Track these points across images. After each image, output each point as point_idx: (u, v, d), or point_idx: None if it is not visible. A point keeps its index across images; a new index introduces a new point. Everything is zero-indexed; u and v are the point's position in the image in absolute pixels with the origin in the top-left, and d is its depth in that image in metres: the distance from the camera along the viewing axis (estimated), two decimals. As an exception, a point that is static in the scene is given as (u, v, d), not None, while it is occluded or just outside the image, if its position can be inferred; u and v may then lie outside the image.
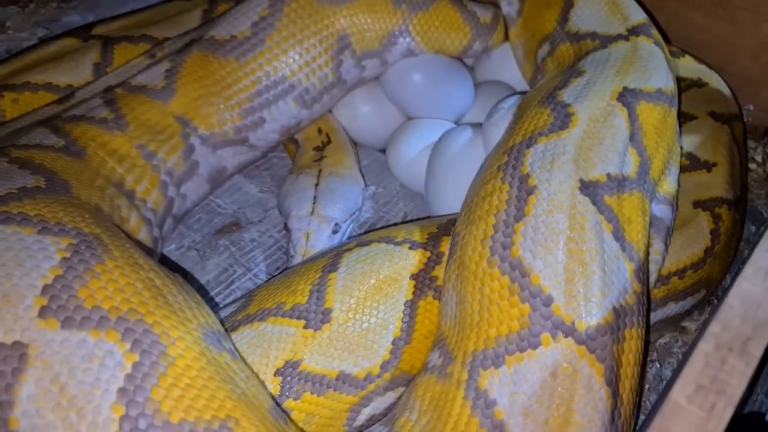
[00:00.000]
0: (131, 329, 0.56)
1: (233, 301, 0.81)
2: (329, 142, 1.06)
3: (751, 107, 1.13)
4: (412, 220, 0.95)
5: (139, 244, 0.84)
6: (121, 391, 0.53)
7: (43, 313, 0.55)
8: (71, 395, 0.52)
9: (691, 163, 0.94)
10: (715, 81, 1.08)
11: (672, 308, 0.86)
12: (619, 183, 0.72)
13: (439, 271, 0.78)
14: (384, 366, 0.75)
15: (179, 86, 0.96)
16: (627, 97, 0.78)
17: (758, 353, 0.46)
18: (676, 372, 0.48)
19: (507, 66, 1.12)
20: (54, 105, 0.94)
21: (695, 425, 0.42)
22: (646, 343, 0.70)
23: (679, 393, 0.44)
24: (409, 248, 0.79)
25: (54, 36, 1.12)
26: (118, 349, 0.55)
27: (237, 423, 0.56)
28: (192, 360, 0.58)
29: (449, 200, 0.95)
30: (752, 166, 1.12)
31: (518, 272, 0.65)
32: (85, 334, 0.55)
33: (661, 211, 0.81)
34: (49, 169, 0.76)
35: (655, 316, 0.86)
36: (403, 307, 0.76)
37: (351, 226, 1.00)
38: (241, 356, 0.67)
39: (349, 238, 0.97)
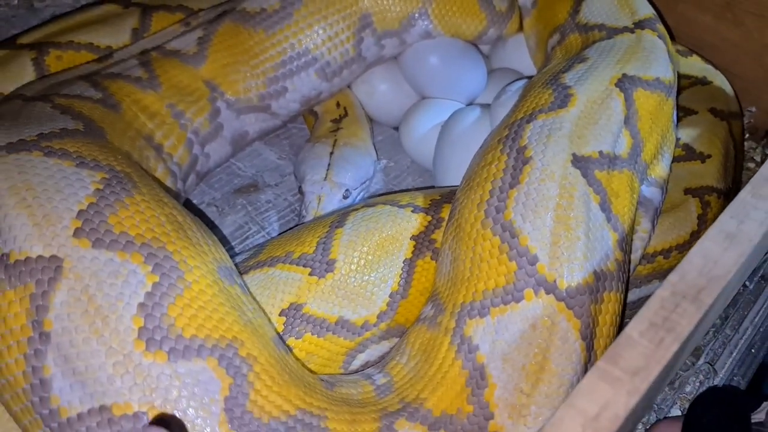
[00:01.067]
0: (153, 254, 0.63)
1: (244, 252, 0.88)
2: (346, 115, 1.12)
3: (754, 109, 1.17)
4: (417, 188, 1.01)
5: (167, 191, 0.91)
6: (141, 305, 0.60)
7: (77, 233, 0.62)
8: (98, 305, 0.59)
9: (686, 154, 0.98)
10: (719, 80, 1.12)
11: (656, 286, 0.90)
12: (610, 160, 0.77)
13: (438, 235, 0.83)
14: (380, 316, 0.81)
15: (210, 53, 1.03)
16: (625, 83, 0.83)
17: (709, 301, 0.51)
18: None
19: (520, 55, 1.17)
20: (94, 63, 1.01)
21: (643, 355, 0.48)
22: (624, 309, 0.75)
23: (632, 328, 0.49)
24: (412, 211, 0.85)
25: (97, 1, 1.19)
26: (141, 270, 0.62)
27: (242, 344, 0.63)
28: (206, 286, 0.64)
29: (455, 175, 1.00)
30: (750, 165, 1.16)
31: (508, 233, 0.71)
32: (112, 254, 0.62)
33: (651, 192, 0.86)
34: (87, 117, 0.83)
35: (639, 293, 0.91)
36: (402, 265, 0.82)
37: (361, 194, 1.06)
38: (250, 292, 0.74)
39: (358, 205, 1.03)
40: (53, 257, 0.61)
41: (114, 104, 0.91)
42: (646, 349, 0.48)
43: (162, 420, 0.57)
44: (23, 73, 1.00)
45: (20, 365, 0.59)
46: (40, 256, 0.61)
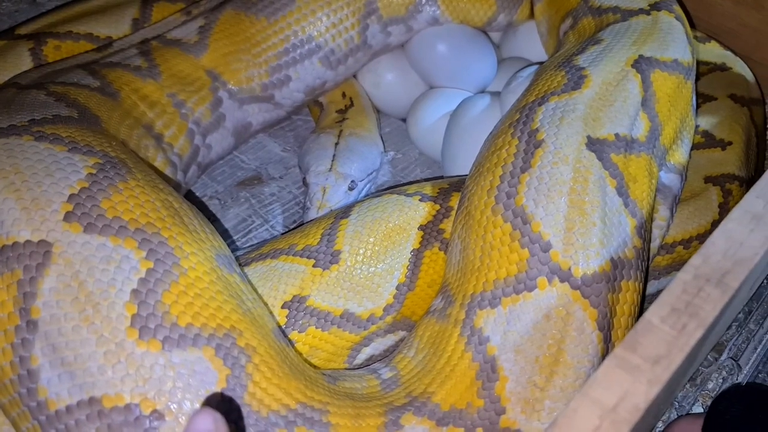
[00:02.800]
0: (148, 240, 0.60)
1: (248, 247, 0.85)
2: (352, 105, 1.09)
3: (775, 96, 1.13)
4: (425, 179, 0.97)
5: (165, 180, 0.88)
6: (134, 292, 0.57)
7: (67, 217, 0.59)
8: (89, 291, 0.56)
9: (706, 141, 0.95)
10: (739, 66, 1.08)
11: (676, 278, 0.87)
12: (627, 144, 0.73)
13: (447, 224, 0.80)
14: (387, 309, 0.78)
15: (211, 42, 1.00)
16: (642, 64, 0.79)
17: (735, 285, 0.47)
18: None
19: (532, 43, 1.13)
20: (93, 52, 0.99)
21: (665, 341, 0.44)
22: (643, 299, 0.72)
23: (653, 314, 0.46)
24: (420, 200, 0.82)
25: (98, -8, 1.17)
26: (134, 256, 0.59)
27: (241, 334, 0.60)
28: (203, 273, 0.61)
29: (464, 164, 0.97)
30: (772, 153, 1.12)
31: (520, 220, 0.67)
32: (105, 239, 0.59)
33: (670, 179, 0.82)
34: (82, 104, 0.81)
35: (658, 285, 0.87)
36: (410, 255, 0.79)
37: (368, 186, 1.02)
38: (250, 283, 0.71)
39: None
40: (42, 242, 0.58)
41: (112, 92, 0.89)
42: (667, 335, 0.45)
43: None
44: (20, 63, 0.98)
45: (7, 355, 0.57)
46: (28, 241, 0.58)
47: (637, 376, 0.42)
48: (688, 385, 0.81)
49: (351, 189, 0.97)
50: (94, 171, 0.64)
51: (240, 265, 0.74)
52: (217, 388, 0.56)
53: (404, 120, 1.15)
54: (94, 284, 0.57)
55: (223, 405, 0.55)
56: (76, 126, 0.72)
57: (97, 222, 0.59)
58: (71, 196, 0.60)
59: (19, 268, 0.57)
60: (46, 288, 0.56)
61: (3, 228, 0.59)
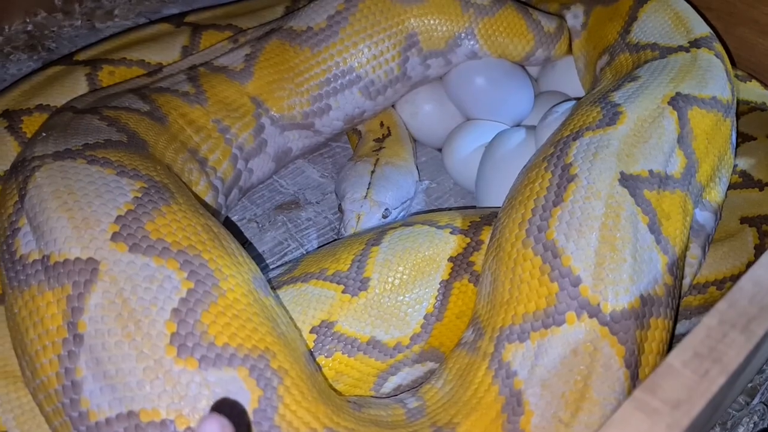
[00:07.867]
0: (189, 261, 0.63)
1: (281, 265, 0.87)
2: (389, 134, 1.12)
3: (817, 136, 1.11)
4: (457, 208, 0.98)
5: (204, 206, 0.91)
6: (175, 311, 0.59)
7: (114, 237, 0.62)
8: (131, 308, 0.59)
9: (743, 181, 0.94)
10: (779, 106, 1.07)
11: (709, 318, 0.86)
12: (661, 180, 0.74)
13: (477, 257, 0.81)
14: (414, 338, 0.79)
15: (257, 70, 1.04)
16: (679, 101, 0.80)
17: (761, 331, 0.47)
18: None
19: (570, 78, 1.15)
20: (144, 77, 1.04)
21: (686, 386, 0.44)
22: (672, 338, 0.71)
23: (675, 357, 0.46)
24: (450, 233, 0.83)
25: (151, 21, 1.23)
26: (176, 276, 0.61)
27: (274, 356, 0.61)
28: (241, 295, 0.64)
29: (497, 195, 0.98)
30: (813, 194, 1.10)
31: (550, 253, 0.68)
32: (148, 260, 0.62)
33: (704, 217, 0.82)
34: (132, 129, 0.85)
35: (689, 325, 0.86)
36: (439, 286, 0.80)
37: (402, 214, 1.04)
38: (283, 306, 0.73)
39: (398, 225, 1.01)
40: (90, 259, 0.61)
41: (161, 117, 0.93)
42: (689, 380, 0.45)
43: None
44: (77, 87, 1.04)
45: (54, 366, 0.60)
46: (77, 258, 0.61)
47: (655, 419, 0.42)
48: (718, 429, 0.80)
49: (385, 217, 0.99)
50: (139, 194, 0.67)
51: (272, 287, 0.76)
52: (249, 409, 0.58)
53: (440, 150, 1.17)
54: (137, 302, 0.59)
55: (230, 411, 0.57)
56: (124, 150, 0.76)
57: (141, 243, 0.62)
58: (118, 217, 0.64)
59: (69, 283, 0.60)
60: (92, 303, 0.59)
61: (56, 245, 0.62)
